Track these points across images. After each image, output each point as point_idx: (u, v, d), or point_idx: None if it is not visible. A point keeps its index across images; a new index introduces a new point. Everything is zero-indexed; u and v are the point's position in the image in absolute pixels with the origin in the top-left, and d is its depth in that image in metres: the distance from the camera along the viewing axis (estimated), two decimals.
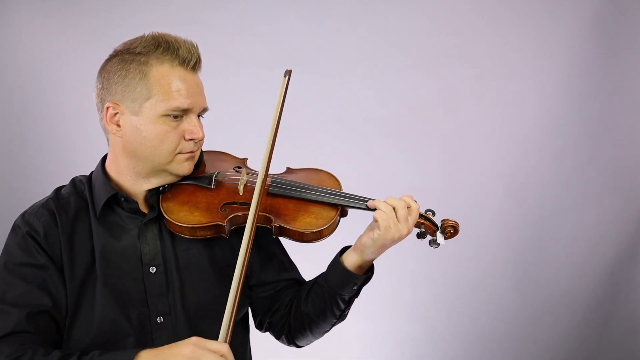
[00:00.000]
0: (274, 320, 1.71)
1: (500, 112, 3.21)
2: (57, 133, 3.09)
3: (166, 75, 1.47)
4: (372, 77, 3.20)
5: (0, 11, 3.00)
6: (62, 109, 3.08)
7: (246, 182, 1.60)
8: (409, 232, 1.53)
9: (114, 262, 1.52)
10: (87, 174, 1.63)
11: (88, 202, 1.55)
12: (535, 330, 3.27)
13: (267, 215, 1.55)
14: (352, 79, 3.20)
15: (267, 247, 1.70)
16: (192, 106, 1.49)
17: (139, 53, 1.48)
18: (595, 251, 3.22)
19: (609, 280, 3.21)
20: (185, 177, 1.58)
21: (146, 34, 1.51)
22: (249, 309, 1.74)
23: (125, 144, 1.51)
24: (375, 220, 1.50)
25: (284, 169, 1.74)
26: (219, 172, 1.64)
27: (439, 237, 1.59)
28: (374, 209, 1.52)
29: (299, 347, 1.74)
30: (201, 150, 1.62)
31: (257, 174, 1.57)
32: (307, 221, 1.54)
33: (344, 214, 1.61)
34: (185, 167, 1.55)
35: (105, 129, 1.54)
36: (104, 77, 1.51)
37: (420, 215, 1.58)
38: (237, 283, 1.39)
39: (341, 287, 1.56)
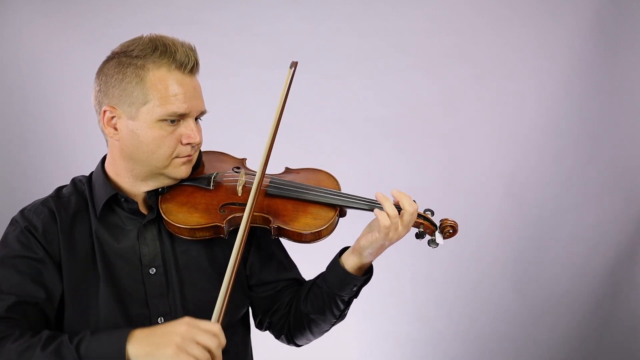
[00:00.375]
0: (273, 320, 1.71)
1: (500, 112, 3.21)
2: (57, 133, 3.09)
3: (163, 80, 1.47)
4: (372, 77, 3.20)
5: (0, 11, 3.00)
6: (62, 109, 3.08)
7: (245, 183, 1.60)
8: (407, 233, 1.53)
9: (114, 263, 1.52)
10: (87, 174, 1.63)
11: (88, 202, 1.56)
12: (535, 330, 3.27)
13: (266, 216, 1.54)
14: (352, 79, 3.20)
15: (267, 247, 1.70)
16: (189, 110, 1.49)
17: (136, 56, 1.47)
18: (595, 251, 3.21)
19: (609, 280, 3.21)
20: (184, 178, 1.58)
21: (144, 36, 1.51)
22: (249, 308, 1.74)
23: (122, 147, 1.51)
24: (381, 225, 1.48)
25: (283, 169, 1.74)
26: (217, 173, 1.64)
27: (438, 237, 1.58)
28: (374, 209, 1.52)
29: (298, 346, 1.75)
30: (200, 150, 1.62)
31: (256, 174, 1.57)
32: (305, 222, 1.54)
33: (342, 214, 1.61)
34: (182, 171, 1.54)
35: (103, 131, 1.55)
36: (102, 79, 1.51)
37: (419, 215, 1.57)
38: (233, 265, 1.39)
39: (340, 288, 1.57)
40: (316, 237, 1.54)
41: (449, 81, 3.20)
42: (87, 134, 2.98)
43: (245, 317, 1.72)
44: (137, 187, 1.56)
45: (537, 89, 3.19)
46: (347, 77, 3.20)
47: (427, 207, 1.62)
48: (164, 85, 1.46)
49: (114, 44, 1.54)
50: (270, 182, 1.61)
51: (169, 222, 1.52)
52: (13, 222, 1.52)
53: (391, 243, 1.52)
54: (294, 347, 1.77)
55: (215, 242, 1.60)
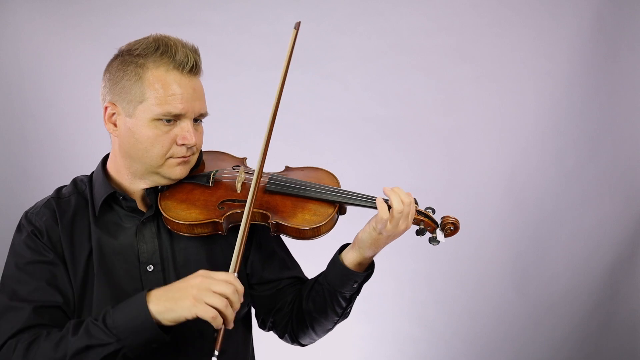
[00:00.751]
0: (276, 319, 1.70)
1: (500, 112, 3.21)
2: (57, 133, 3.09)
3: (161, 79, 1.47)
4: (372, 77, 3.20)
5: (0, 11, 3.00)
6: (62, 109, 3.08)
7: (244, 180, 1.60)
8: (406, 229, 1.52)
9: (112, 260, 1.53)
10: (88, 174, 1.64)
11: (88, 201, 1.56)
12: (535, 330, 3.27)
13: (265, 212, 1.54)
14: (352, 79, 3.20)
15: (268, 244, 1.70)
16: (185, 111, 1.49)
17: (138, 55, 1.48)
18: (595, 251, 3.21)
19: (609, 280, 3.20)
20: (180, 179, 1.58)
21: (151, 36, 1.52)
22: (251, 308, 1.73)
23: (120, 144, 1.53)
24: (381, 217, 1.48)
25: (283, 168, 1.74)
26: (217, 171, 1.64)
27: (439, 234, 1.58)
28: (376, 200, 1.51)
29: (302, 345, 1.74)
30: (200, 150, 1.62)
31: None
32: (304, 218, 1.54)
33: (342, 211, 1.61)
34: (177, 172, 1.54)
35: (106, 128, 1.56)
36: (106, 76, 1.53)
37: (420, 213, 1.57)
38: (248, 210, 1.45)
39: (341, 285, 1.56)
40: (315, 233, 1.54)
41: (449, 81, 3.20)
42: (87, 134, 2.99)
43: (246, 316, 1.71)
44: (135, 185, 1.56)
45: (537, 89, 3.19)
46: (346, 77, 3.20)
47: (428, 205, 1.62)
48: (161, 84, 1.47)
49: (113, 44, 1.55)
50: (270, 178, 1.61)
51: (168, 219, 1.52)
52: (20, 227, 1.54)
53: (389, 238, 1.51)
54: (295, 347, 1.76)
55: (214, 240, 1.60)
